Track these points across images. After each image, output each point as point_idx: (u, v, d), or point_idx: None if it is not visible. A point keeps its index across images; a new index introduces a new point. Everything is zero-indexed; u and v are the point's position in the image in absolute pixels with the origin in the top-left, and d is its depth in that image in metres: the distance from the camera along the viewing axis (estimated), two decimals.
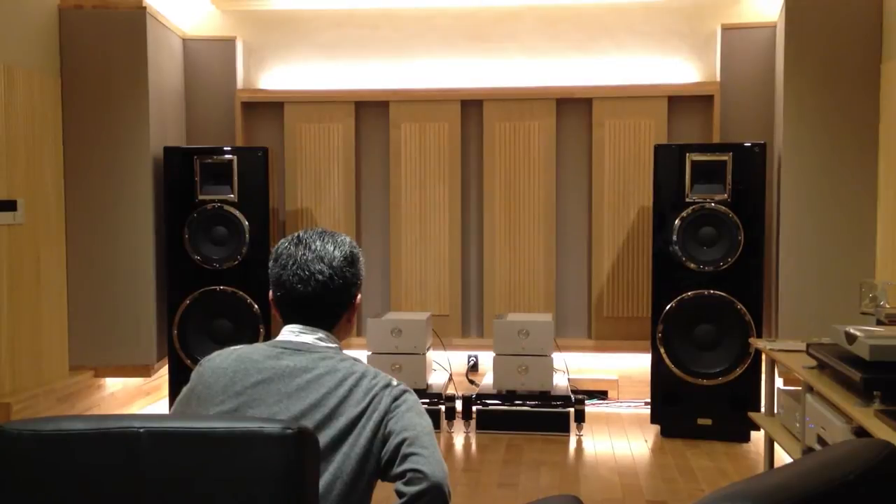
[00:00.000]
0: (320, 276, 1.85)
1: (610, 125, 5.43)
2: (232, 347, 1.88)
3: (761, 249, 4.74)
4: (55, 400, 4.58)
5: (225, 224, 5.00)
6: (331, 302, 1.88)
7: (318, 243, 1.88)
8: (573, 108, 5.52)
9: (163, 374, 5.22)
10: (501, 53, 5.59)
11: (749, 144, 4.77)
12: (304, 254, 1.87)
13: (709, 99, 5.34)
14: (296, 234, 1.92)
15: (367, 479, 1.74)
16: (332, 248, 1.88)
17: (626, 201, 5.43)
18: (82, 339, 4.93)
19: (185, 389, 1.86)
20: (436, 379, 5.27)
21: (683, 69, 5.47)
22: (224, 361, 1.82)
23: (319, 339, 1.87)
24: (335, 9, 5.65)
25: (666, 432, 4.86)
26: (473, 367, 5.65)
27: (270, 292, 1.91)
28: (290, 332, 1.88)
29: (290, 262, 1.86)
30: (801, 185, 4.70)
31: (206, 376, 1.81)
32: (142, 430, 1.43)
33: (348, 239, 1.94)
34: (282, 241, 1.92)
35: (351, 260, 1.90)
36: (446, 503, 1.68)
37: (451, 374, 5.45)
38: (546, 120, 5.49)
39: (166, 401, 5.37)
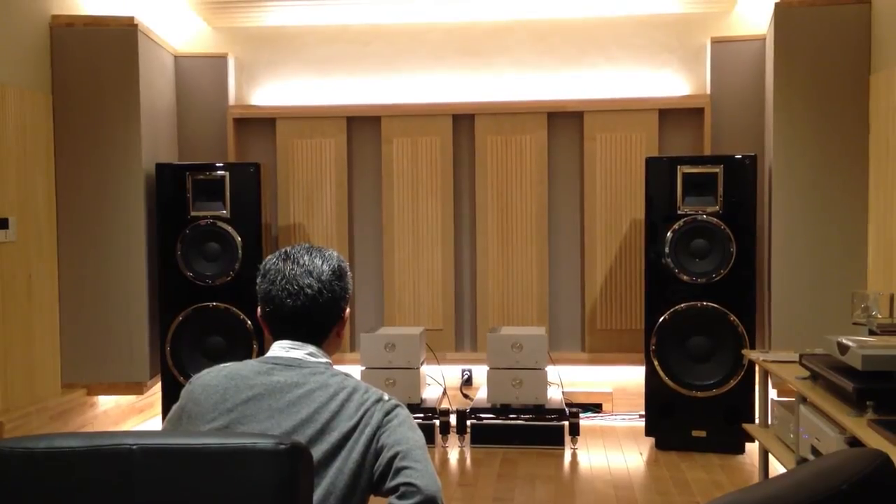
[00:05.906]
0: (309, 291, 1.85)
1: (601, 138, 5.45)
2: (221, 365, 1.87)
3: (753, 261, 4.75)
4: (48, 418, 4.56)
5: (217, 240, 4.99)
6: (320, 316, 1.87)
7: (305, 258, 1.88)
8: (564, 121, 5.54)
9: (156, 392, 5.20)
10: (493, 68, 5.61)
11: (740, 156, 4.79)
12: (292, 269, 1.86)
13: (699, 111, 5.36)
14: (283, 250, 1.91)
15: (360, 494, 1.73)
16: (320, 263, 1.88)
17: (618, 214, 5.44)
18: (74, 357, 4.91)
19: (174, 408, 1.84)
20: (430, 393, 5.26)
21: (674, 82, 5.49)
22: (214, 379, 1.81)
23: (310, 353, 1.86)
24: (326, 25, 5.67)
25: (661, 445, 4.85)
26: (467, 382, 5.64)
27: (259, 308, 1.90)
28: (280, 348, 1.87)
29: (279, 278, 1.86)
30: (792, 196, 4.71)
31: (196, 394, 1.80)
32: (134, 447, 1.42)
33: (336, 253, 1.94)
34: (269, 257, 1.92)
35: (339, 273, 1.90)
36: None
37: (445, 389, 5.44)
38: (537, 133, 5.51)
39: (159, 418, 5.34)
